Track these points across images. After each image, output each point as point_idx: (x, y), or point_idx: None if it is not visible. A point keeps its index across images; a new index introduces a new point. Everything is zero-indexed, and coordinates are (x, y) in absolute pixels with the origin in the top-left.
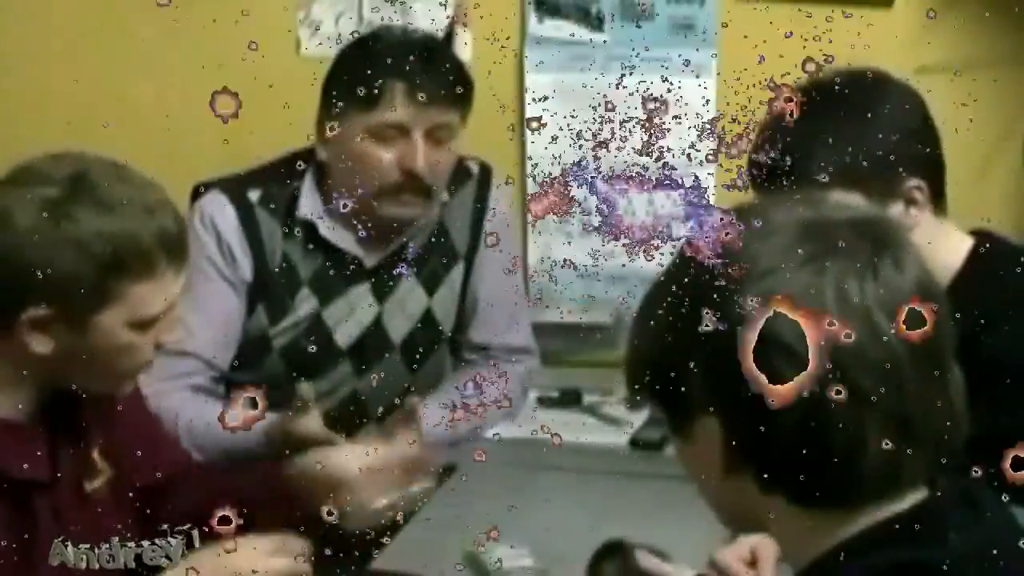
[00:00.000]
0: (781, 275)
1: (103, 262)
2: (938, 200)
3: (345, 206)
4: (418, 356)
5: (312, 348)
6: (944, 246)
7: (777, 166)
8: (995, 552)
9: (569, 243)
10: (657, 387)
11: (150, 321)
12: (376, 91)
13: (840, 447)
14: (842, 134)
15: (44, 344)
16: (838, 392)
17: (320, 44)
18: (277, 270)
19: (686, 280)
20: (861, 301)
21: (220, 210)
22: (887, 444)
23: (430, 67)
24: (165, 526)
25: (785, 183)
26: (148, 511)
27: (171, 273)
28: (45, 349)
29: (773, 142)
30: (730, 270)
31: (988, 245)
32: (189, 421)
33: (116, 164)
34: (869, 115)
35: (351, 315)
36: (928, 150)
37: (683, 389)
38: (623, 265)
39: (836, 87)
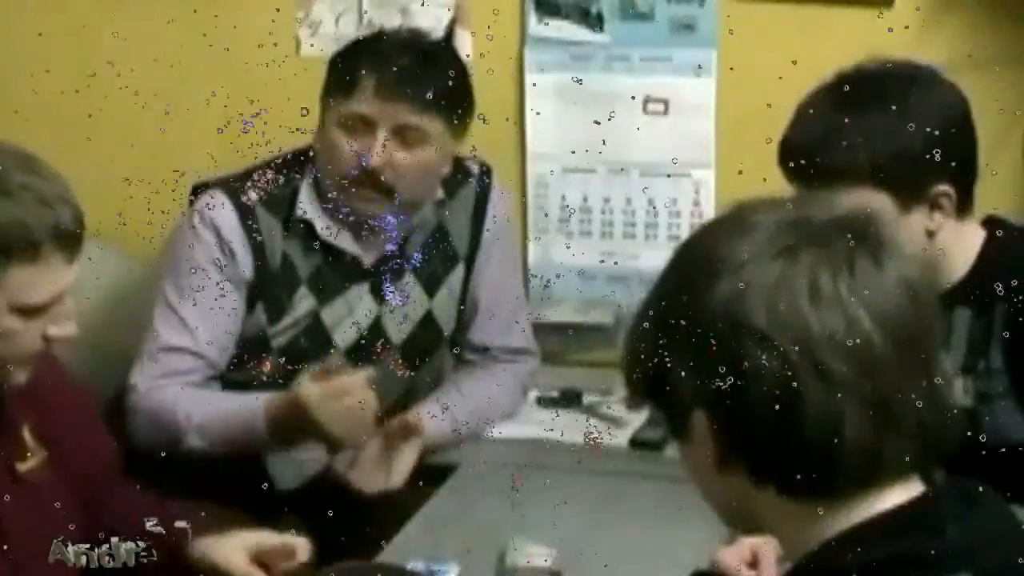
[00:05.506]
0: (754, 267)
1: None
2: (965, 204)
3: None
4: (418, 357)
5: (310, 348)
6: (961, 244)
7: (806, 156)
8: (993, 546)
9: (569, 243)
10: (651, 388)
11: (35, 309)
12: (352, 82)
13: (817, 433)
14: (873, 131)
15: None
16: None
17: (320, 44)
18: (277, 269)
19: (676, 281)
20: (835, 292)
21: (220, 209)
22: (863, 429)
23: (408, 66)
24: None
25: (815, 173)
26: (89, 499)
27: (59, 262)
28: None
29: (805, 131)
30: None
31: (1001, 232)
32: (188, 414)
33: (26, 156)
34: (903, 114)
35: (350, 315)
36: (962, 155)
37: (674, 388)
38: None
39: (876, 81)
